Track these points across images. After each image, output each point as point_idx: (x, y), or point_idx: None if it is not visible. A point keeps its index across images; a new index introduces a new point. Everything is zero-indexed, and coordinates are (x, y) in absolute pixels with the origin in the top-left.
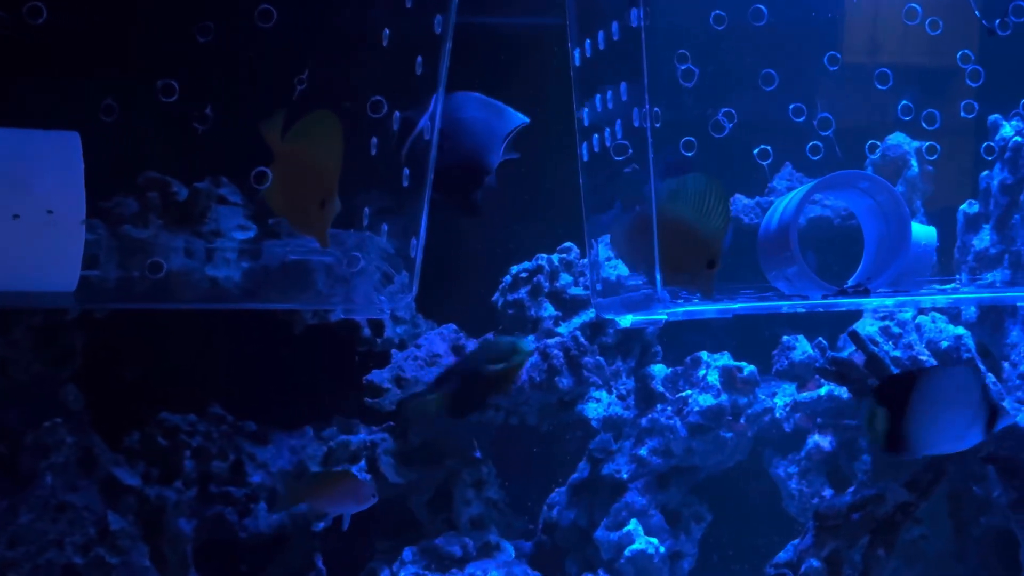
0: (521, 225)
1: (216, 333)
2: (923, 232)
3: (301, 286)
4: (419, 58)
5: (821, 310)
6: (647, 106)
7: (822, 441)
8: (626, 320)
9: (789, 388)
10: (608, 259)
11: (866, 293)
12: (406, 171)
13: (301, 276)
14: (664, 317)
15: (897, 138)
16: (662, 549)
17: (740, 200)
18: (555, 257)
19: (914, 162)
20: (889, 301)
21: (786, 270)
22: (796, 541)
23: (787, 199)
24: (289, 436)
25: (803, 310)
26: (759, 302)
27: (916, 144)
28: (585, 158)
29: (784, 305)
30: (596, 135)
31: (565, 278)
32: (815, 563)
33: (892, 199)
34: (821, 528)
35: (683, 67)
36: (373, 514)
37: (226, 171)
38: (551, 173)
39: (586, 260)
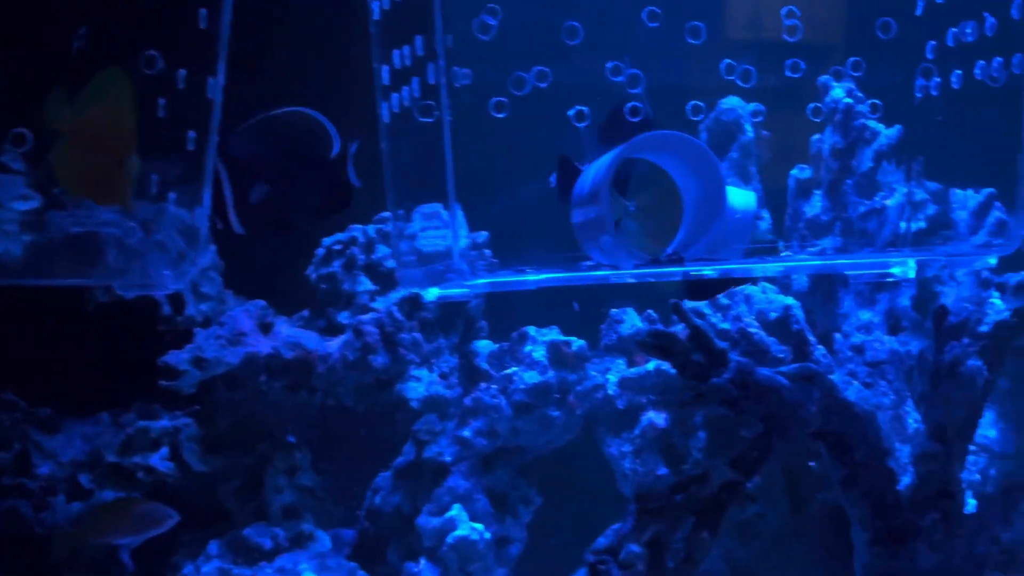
0: None
1: None
2: (742, 198)
3: (90, 261)
4: (202, 11)
5: (634, 280)
6: (441, 61)
7: (656, 418)
8: (431, 293)
9: (623, 364)
10: (424, 229)
11: (680, 262)
12: (191, 134)
13: (90, 250)
14: (466, 290)
15: (731, 101)
16: (487, 535)
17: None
18: (371, 228)
19: (748, 126)
20: (708, 271)
21: (598, 238)
22: (617, 525)
23: (598, 164)
24: (82, 423)
25: (614, 280)
26: (567, 273)
27: (751, 107)
28: (386, 119)
29: (594, 276)
30: (395, 95)
31: (382, 250)
32: (635, 548)
33: (707, 162)
34: (643, 511)
35: (481, 20)
36: (179, 505)
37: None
38: (364, 137)
39: (400, 230)
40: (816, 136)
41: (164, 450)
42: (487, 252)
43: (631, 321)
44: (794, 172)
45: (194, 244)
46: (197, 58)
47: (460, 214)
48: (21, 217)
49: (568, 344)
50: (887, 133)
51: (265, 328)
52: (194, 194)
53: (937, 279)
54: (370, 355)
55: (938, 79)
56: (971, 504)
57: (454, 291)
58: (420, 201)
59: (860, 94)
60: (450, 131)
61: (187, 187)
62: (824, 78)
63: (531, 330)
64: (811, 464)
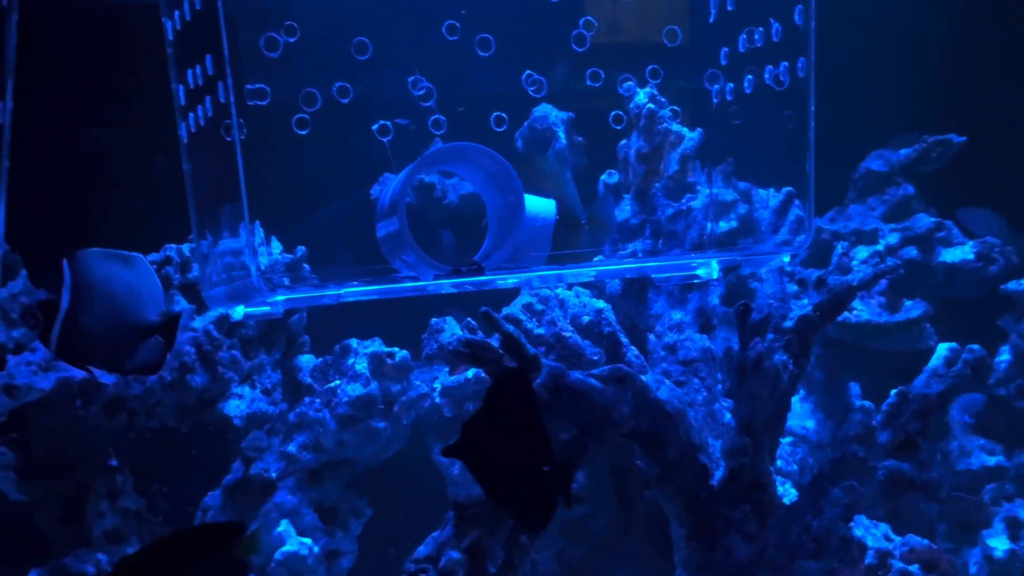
0: (149, 214)
1: None
2: (542, 205)
3: None
4: None
5: (436, 292)
6: (230, 80)
7: None
8: (238, 312)
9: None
10: (228, 248)
11: (480, 271)
12: None
13: None
14: (268, 308)
15: (544, 109)
16: (316, 549)
17: (390, 179)
18: (185, 247)
19: (562, 134)
20: (512, 279)
21: (401, 251)
22: (436, 533)
23: (397, 178)
24: None
25: (419, 293)
26: (370, 286)
27: (564, 115)
28: (185, 139)
29: (398, 288)
30: (192, 114)
31: (198, 269)
32: (455, 555)
33: (503, 170)
34: (461, 518)
35: (269, 36)
36: None
37: None
38: (177, 157)
39: (204, 250)
40: (623, 141)
41: None
42: (306, 267)
43: (451, 330)
44: (603, 177)
45: None
46: None
47: (260, 231)
48: None
49: (391, 355)
50: (691, 136)
51: None
52: None
53: (753, 276)
54: (188, 375)
55: (732, 84)
56: (792, 494)
57: (258, 309)
58: (224, 220)
59: (663, 99)
60: (241, 149)
61: None
62: (628, 84)
63: (353, 342)
64: (638, 463)
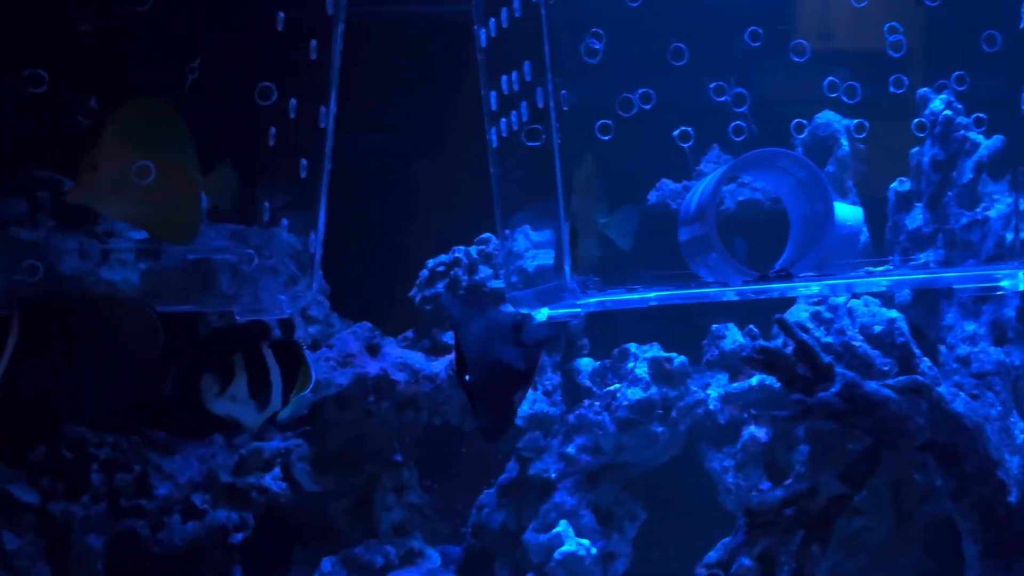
0: (437, 217)
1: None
2: (849, 212)
3: (204, 287)
4: (313, 42)
5: (743, 298)
6: (550, 85)
7: (758, 432)
8: (542, 313)
9: (723, 379)
10: (527, 249)
11: (788, 277)
12: (304, 162)
13: (204, 277)
14: (578, 309)
15: (826, 116)
16: (594, 550)
17: (667, 185)
18: (473, 249)
19: (844, 140)
20: (815, 287)
21: (705, 256)
22: (727, 539)
23: (704, 183)
24: (198, 444)
25: (724, 298)
26: (676, 291)
27: (846, 122)
28: (495, 144)
29: (703, 293)
30: (504, 119)
31: (484, 271)
32: (747, 562)
33: (813, 177)
34: (752, 525)
35: (587, 43)
36: (291, 524)
37: None
38: (466, 161)
39: (506, 251)
40: (915, 149)
41: (276, 470)
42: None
43: (732, 336)
44: (894, 185)
45: (306, 270)
46: (309, 88)
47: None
48: (138, 246)
49: (670, 360)
50: (987, 144)
51: (373, 350)
52: (307, 221)
53: None
54: None
55: None
56: None
57: (564, 311)
58: (525, 222)
59: (959, 106)
60: (560, 153)
61: (300, 214)
62: (923, 91)
63: (632, 347)
64: (915, 475)
